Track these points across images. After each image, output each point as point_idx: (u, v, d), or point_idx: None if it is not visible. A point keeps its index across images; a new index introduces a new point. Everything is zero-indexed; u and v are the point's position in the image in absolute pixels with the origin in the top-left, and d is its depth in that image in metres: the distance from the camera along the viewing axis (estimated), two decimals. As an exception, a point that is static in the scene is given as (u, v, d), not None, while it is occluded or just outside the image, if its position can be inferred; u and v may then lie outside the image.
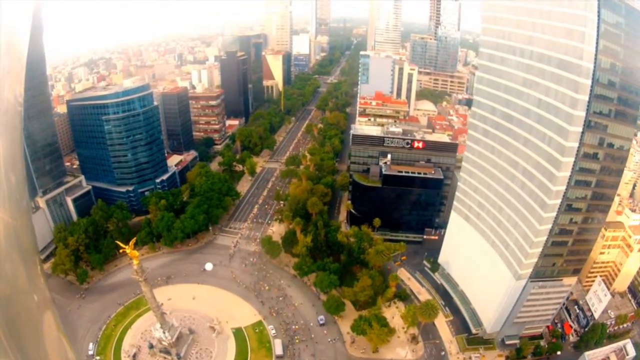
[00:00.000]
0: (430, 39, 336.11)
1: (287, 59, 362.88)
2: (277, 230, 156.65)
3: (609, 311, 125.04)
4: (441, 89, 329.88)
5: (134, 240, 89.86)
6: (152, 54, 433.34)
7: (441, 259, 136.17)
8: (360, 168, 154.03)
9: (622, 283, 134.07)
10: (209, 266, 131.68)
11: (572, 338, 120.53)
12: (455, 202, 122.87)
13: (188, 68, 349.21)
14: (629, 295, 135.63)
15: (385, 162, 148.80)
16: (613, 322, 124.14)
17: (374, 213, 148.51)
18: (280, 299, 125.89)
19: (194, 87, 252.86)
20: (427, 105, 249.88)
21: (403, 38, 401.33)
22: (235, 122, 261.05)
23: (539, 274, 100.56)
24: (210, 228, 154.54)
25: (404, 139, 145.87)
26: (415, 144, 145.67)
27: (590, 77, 79.62)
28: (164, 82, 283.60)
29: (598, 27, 77.19)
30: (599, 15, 76.66)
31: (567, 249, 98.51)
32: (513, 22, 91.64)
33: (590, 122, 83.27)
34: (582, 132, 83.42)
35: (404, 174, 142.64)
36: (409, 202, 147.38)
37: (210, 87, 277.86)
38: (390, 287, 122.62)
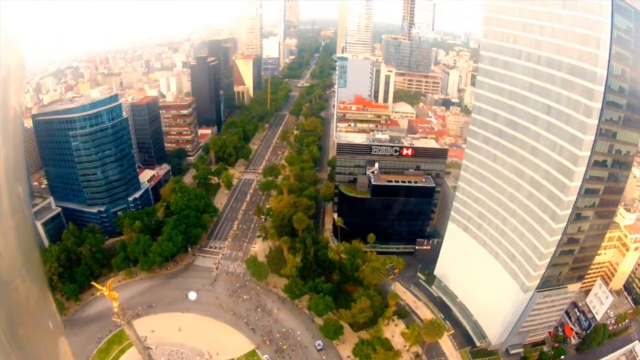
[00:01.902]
0: (404, 39, 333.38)
1: (258, 63, 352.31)
2: (260, 249, 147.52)
3: (608, 310, 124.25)
4: (416, 89, 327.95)
5: (111, 280, 79.64)
6: (119, 62, 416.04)
7: (437, 271, 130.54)
8: (346, 178, 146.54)
9: (618, 282, 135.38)
10: (192, 295, 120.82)
11: (574, 340, 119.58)
12: (452, 213, 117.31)
13: (156, 75, 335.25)
14: (625, 293, 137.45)
15: (373, 172, 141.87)
16: (613, 322, 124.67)
17: (362, 225, 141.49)
18: (272, 324, 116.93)
19: (163, 96, 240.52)
20: (405, 108, 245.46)
21: (373, 39, 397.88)
22: (208, 131, 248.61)
23: (545, 284, 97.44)
24: (190, 249, 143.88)
25: (392, 147, 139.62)
26: (404, 151, 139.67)
27: (603, 84, 75.51)
28: (132, 90, 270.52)
29: (611, 33, 73.15)
30: (612, 21, 72.60)
31: (573, 257, 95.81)
32: (518, 25, 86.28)
33: (602, 129, 79.53)
34: (594, 141, 79.52)
35: (394, 183, 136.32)
36: (400, 213, 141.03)
37: (180, 95, 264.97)
38: (390, 306, 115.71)
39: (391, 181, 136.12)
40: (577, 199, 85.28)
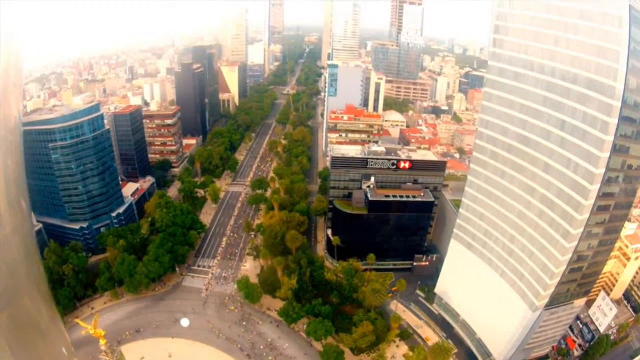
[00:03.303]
0: (392, 45, 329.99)
1: (243, 70, 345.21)
2: (251, 267, 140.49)
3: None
4: (404, 96, 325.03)
5: (97, 317, 72.52)
6: (102, 68, 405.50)
7: (438, 289, 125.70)
8: (340, 193, 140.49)
9: (618, 291, 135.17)
10: (184, 322, 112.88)
11: (577, 353, 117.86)
12: (455, 230, 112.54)
13: (140, 82, 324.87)
14: (625, 302, 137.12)
15: (369, 186, 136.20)
16: (614, 332, 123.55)
17: (358, 242, 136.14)
18: (268, 349, 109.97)
19: (147, 104, 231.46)
20: (395, 116, 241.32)
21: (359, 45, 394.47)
22: (193, 140, 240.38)
23: (553, 302, 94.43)
24: (177, 268, 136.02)
25: (389, 160, 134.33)
26: (401, 164, 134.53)
27: (620, 99, 71.73)
28: (116, 97, 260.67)
29: (629, 46, 69.43)
30: (629, 33, 68.89)
31: (581, 273, 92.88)
32: (530, 34, 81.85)
33: (616, 145, 75.86)
34: (609, 157, 75.93)
35: (391, 198, 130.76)
36: (398, 228, 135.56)
37: (164, 102, 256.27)
38: (392, 329, 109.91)
39: (389, 196, 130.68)
40: (589, 217, 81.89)
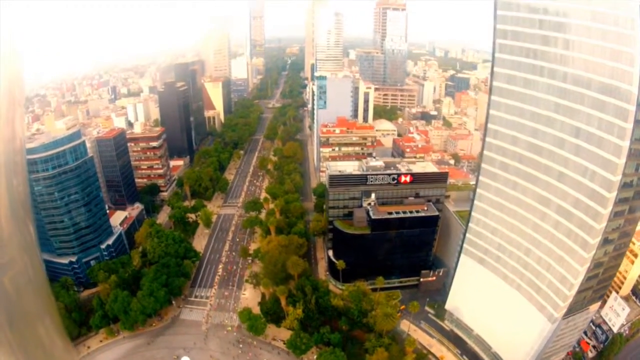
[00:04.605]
0: (377, 52, 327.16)
1: (227, 85, 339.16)
2: (251, 295, 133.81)
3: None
4: (391, 104, 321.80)
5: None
6: (85, 88, 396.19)
7: (449, 305, 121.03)
8: (340, 212, 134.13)
9: (626, 288, 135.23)
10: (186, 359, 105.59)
11: (591, 354, 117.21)
12: (466, 245, 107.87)
13: (123, 102, 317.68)
14: (633, 297, 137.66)
15: (370, 203, 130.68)
16: (627, 329, 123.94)
17: (362, 263, 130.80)
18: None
19: (131, 125, 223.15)
20: (386, 125, 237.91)
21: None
22: (180, 162, 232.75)
23: (570, 311, 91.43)
24: (173, 301, 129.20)
25: (389, 174, 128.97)
26: (402, 178, 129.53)
27: (635, 103, 68.21)
28: (99, 119, 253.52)
29: (640, 48, 66.23)
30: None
31: (597, 280, 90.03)
32: (539, 38, 77.89)
33: (631, 150, 72.33)
34: (625, 162, 72.56)
35: (395, 215, 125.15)
36: (403, 246, 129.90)
37: (148, 122, 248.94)
38: (407, 353, 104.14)
39: (392, 213, 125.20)
40: (607, 225, 78.93)
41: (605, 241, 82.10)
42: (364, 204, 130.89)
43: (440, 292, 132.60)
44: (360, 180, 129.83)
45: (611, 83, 69.63)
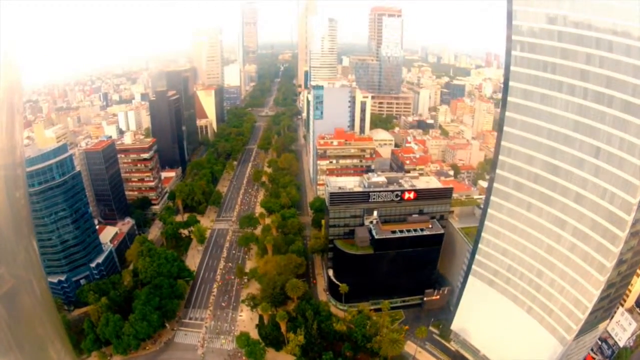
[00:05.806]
0: (372, 59, 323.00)
1: (220, 93, 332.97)
2: (248, 317, 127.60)
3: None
4: (387, 112, 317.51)
5: None
6: (77, 94, 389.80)
7: (455, 326, 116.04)
8: (341, 231, 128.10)
9: (630, 300, 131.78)
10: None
11: None
12: (475, 267, 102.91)
13: (114, 109, 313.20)
14: (638, 309, 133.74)
15: (372, 222, 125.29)
16: (632, 342, 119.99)
17: (365, 283, 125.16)
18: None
19: (122, 132, 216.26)
20: (383, 135, 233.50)
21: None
22: (172, 173, 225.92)
23: (582, 332, 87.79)
24: (167, 324, 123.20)
25: (392, 191, 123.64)
26: (406, 195, 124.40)
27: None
28: (90, 127, 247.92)
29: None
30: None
31: (609, 299, 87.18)
32: (557, 51, 73.33)
33: (646, 169, 68.46)
34: (640, 182, 68.73)
35: (398, 234, 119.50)
36: (407, 265, 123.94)
37: (139, 131, 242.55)
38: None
39: (395, 232, 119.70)
40: (623, 246, 75.26)
41: (620, 262, 78.56)
42: (366, 222, 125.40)
43: (444, 311, 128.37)
44: (362, 197, 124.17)
45: (634, 101, 65.35)
